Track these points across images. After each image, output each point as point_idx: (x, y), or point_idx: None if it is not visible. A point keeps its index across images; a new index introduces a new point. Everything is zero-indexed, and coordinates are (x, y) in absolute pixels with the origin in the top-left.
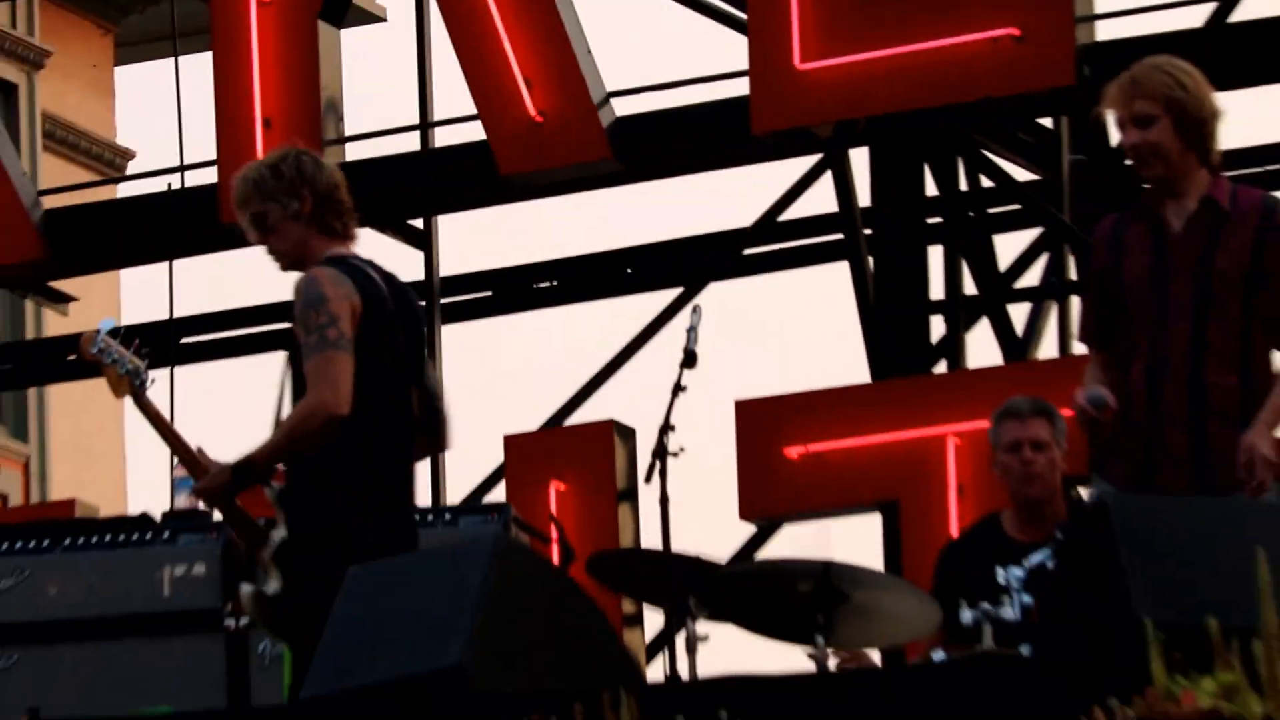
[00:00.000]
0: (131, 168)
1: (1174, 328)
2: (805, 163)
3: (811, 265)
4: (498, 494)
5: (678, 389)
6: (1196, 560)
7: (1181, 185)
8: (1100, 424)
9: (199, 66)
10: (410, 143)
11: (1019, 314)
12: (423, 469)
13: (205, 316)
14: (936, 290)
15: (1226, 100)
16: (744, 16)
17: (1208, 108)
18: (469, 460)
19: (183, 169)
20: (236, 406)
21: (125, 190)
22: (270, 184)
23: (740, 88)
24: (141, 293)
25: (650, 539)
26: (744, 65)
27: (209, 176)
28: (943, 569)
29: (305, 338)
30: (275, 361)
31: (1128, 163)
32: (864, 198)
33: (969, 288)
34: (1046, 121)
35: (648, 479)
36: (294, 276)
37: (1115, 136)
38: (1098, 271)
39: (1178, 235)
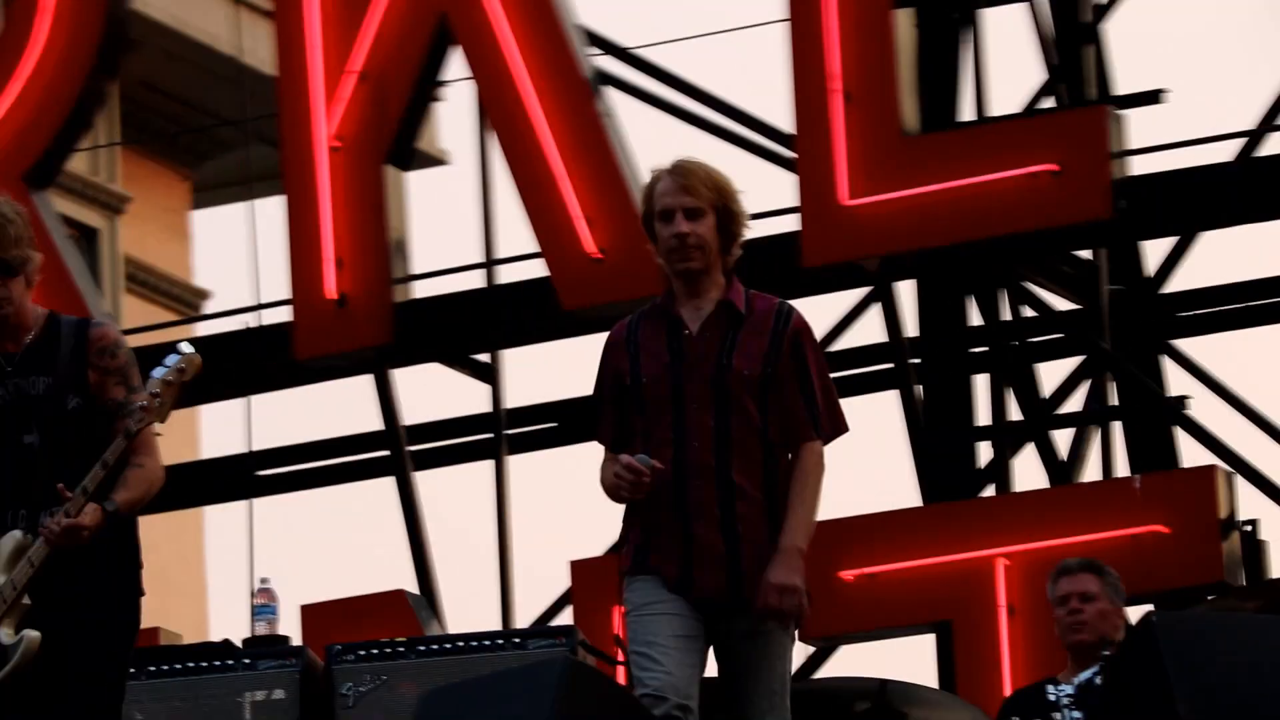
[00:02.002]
0: (208, 307)
1: (697, 422)
2: (854, 295)
3: (862, 394)
4: (565, 618)
5: None
6: (1240, 675)
7: (706, 283)
8: (640, 487)
9: (272, 210)
10: (475, 280)
11: (1063, 439)
12: (492, 594)
13: (282, 449)
14: (983, 417)
15: (1256, 230)
16: (793, 155)
17: (742, 213)
18: (537, 585)
19: (259, 308)
20: (311, 536)
21: (202, 329)
22: (27, 233)
23: (791, 224)
24: (219, 428)
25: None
26: (794, 202)
27: (283, 315)
28: (1005, 713)
29: (127, 395)
30: (351, 492)
31: (1164, 291)
32: (911, 328)
33: (1014, 414)
34: (1085, 253)
35: None
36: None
37: (1150, 268)
38: (614, 374)
39: (694, 336)
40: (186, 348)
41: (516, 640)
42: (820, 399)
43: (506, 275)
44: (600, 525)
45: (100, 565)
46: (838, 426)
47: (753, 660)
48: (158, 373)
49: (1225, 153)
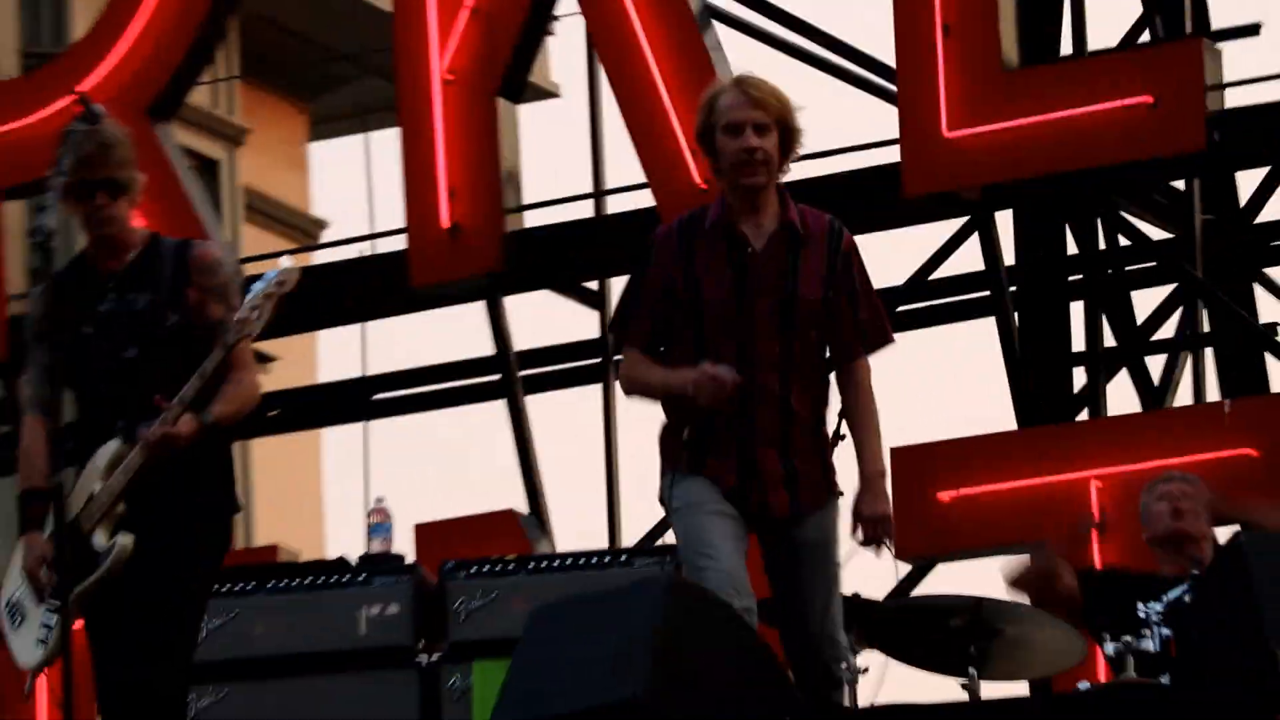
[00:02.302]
0: (325, 236)
1: (764, 348)
2: (953, 225)
3: (961, 321)
4: (669, 538)
5: (837, 437)
6: None
7: (766, 199)
8: (722, 396)
9: (387, 141)
10: (584, 210)
11: (1155, 365)
12: (598, 514)
13: (397, 374)
14: (1078, 343)
15: None
16: (894, 89)
17: (801, 131)
18: (643, 506)
19: (374, 236)
20: (425, 457)
21: (319, 257)
22: (132, 155)
23: (892, 155)
24: (336, 353)
25: None
26: (895, 134)
27: (398, 244)
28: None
29: (226, 314)
30: (463, 414)
31: (1257, 221)
32: (1009, 257)
33: (1109, 340)
34: (1179, 184)
35: None
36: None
37: (1244, 198)
38: (665, 280)
39: (759, 255)
40: (286, 261)
41: (622, 559)
42: (869, 316)
43: (615, 205)
44: None
45: (195, 478)
46: (885, 339)
47: (808, 572)
48: (257, 287)
49: None
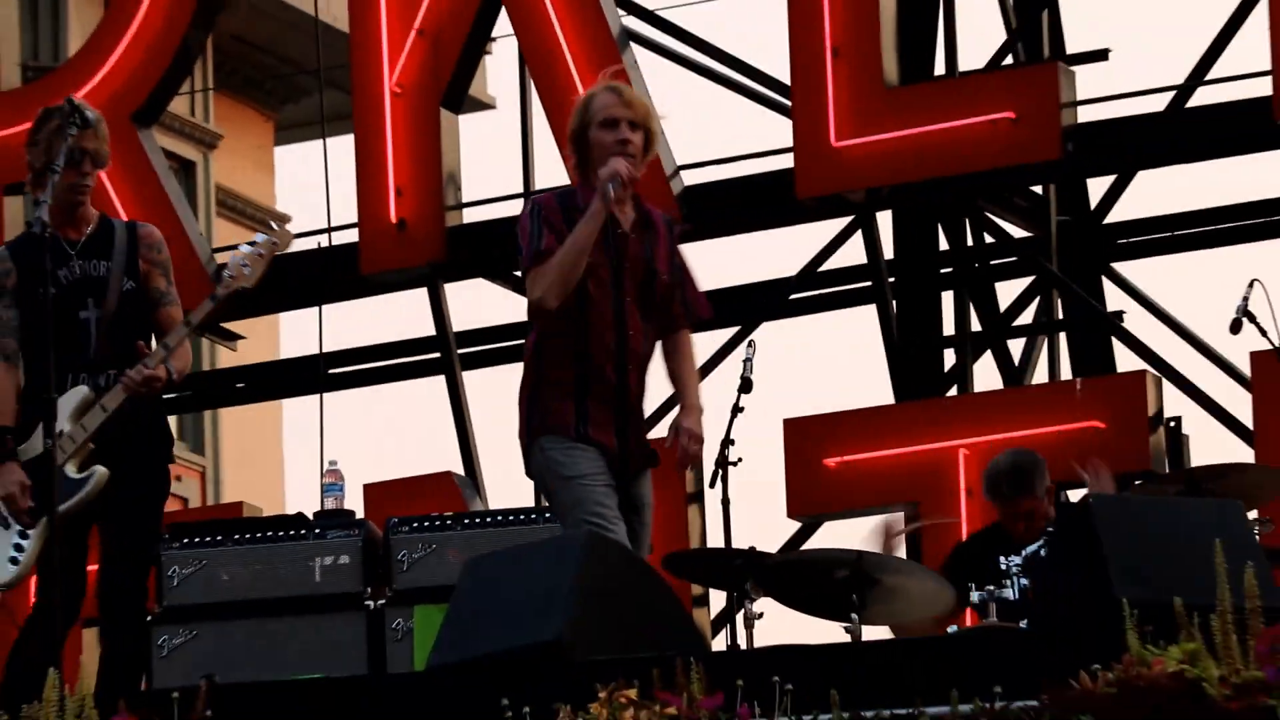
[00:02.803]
0: (287, 229)
1: (632, 313)
2: (840, 223)
3: (845, 308)
4: None
5: (736, 410)
6: (1165, 549)
7: (629, 189)
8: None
9: (343, 146)
10: (515, 208)
11: (1016, 347)
12: (525, 478)
13: (349, 351)
14: (948, 328)
15: (1184, 170)
16: (789, 103)
17: (659, 134)
18: None
19: (329, 230)
20: (373, 426)
21: None
22: (106, 134)
23: (786, 161)
24: (296, 332)
25: (714, 534)
26: (789, 143)
27: (351, 236)
28: (954, 559)
29: (168, 287)
30: (407, 388)
31: (1105, 222)
32: (888, 251)
33: (975, 326)
34: (1038, 189)
35: (711, 484)
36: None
37: (1093, 202)
38: (559, 232)
39: (628, 236)
40: (278, 226)
41: (546, 516)
42: (693, 295)
43: None
44: None
45: (157, 428)
46: (704, 314)
47: (644, 530)
48: (245, 248)
49: (1158, 103)
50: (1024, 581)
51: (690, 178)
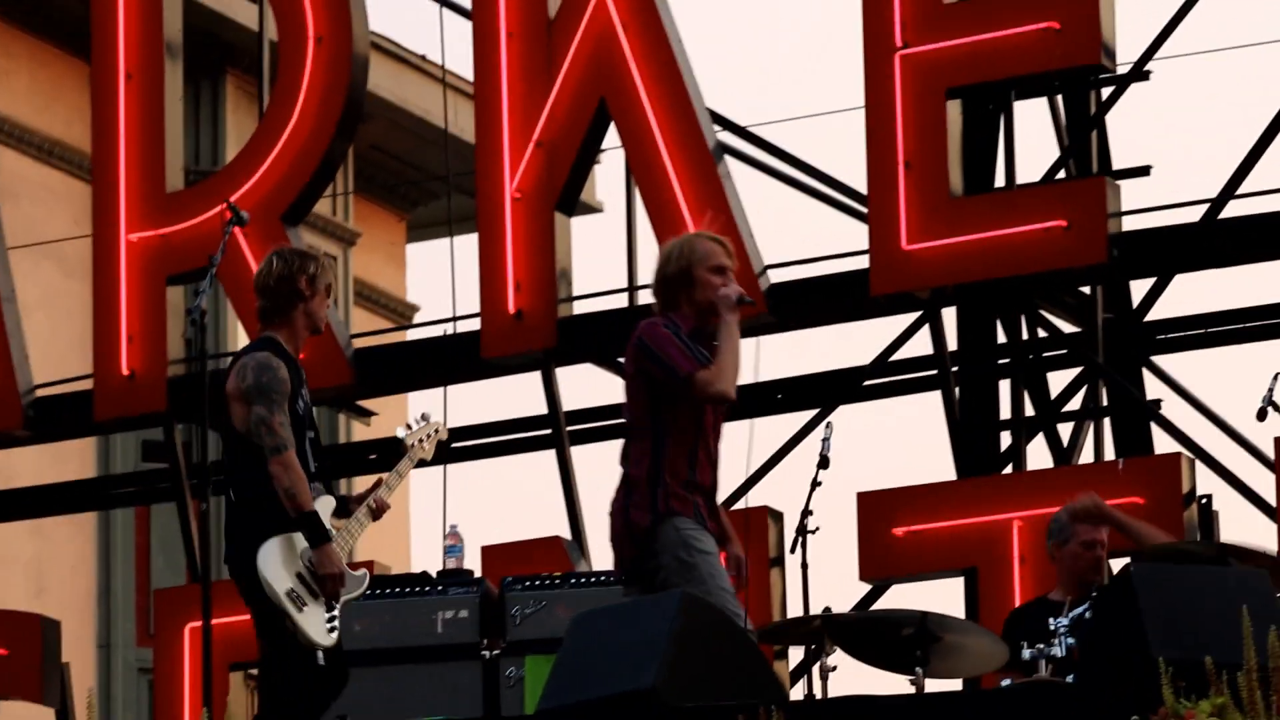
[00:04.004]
0: (418, 318)
1: (718, 428)
2: (909, 318)
3: (913, 394)
4: None
5: (815, 484)
6: (1197, 613)
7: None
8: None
9: (469, 245)
10: (620, 301)
11: (1065, 431)
12: None
13: (470, 427)
14: (1005, 412)
15: (1217, 274)
16: (865, 210)
17: None
18: None
19: (455, 319)
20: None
21: (413, 334)
22: None
23: (862, 262)
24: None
25: (793, 594)
26: (865, 245)
27: (474, 325)
28: (1010, 624)
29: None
30: (522, 460)
31: (1146, 319)
32: (952, 343)
33: (1029, 410)
34: (1086, 289)
35: (792, 550)
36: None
37: (1135, 301)
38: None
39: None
40: (435, 417)
41: None
42: None
43: (645, 297)
44: None
45: None
46: None
47: None
48: (417, 424)
49: (1194, 214)
50: (1070, 640)
51: (776, 275)
